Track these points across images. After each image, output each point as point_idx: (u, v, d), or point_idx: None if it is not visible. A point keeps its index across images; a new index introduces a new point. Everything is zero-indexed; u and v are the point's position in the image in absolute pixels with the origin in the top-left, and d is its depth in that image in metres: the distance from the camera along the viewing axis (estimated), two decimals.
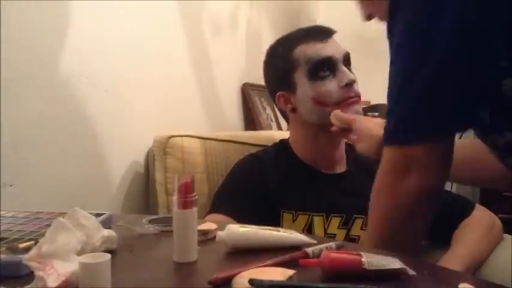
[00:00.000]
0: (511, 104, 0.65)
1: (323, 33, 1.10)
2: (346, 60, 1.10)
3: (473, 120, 0.70)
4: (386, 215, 0.73)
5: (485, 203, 1.16)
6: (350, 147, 1.17)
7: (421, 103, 0.67)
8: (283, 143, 1.19)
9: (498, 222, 1.11)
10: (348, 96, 1.06)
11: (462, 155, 0.81)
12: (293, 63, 1.09)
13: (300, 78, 1.08)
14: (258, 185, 1.08)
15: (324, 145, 1.12)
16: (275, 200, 1.06)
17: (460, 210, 1.12)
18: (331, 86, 1.06)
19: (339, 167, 1.15)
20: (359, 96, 1.10)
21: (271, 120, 2.17)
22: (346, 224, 1.08)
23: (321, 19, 3.00)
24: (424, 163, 0.68)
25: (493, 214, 1.13)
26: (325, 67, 1.06)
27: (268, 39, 2.33)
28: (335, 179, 1.13)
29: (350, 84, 1.06)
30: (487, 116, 0.69)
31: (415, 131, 0.68)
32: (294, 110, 1.11)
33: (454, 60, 0.65)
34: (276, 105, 1.19)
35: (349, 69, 1.10)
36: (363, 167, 1.15)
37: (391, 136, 0.71)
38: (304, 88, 1.08)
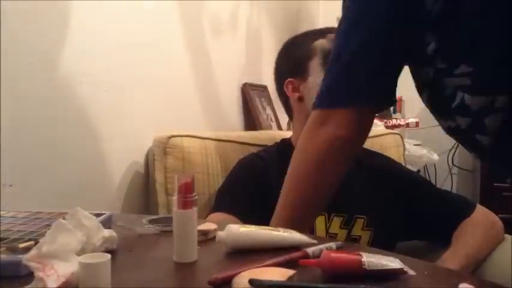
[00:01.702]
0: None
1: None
2: None
3: (392, 97, 0.83)
4: (301, 159, 0.86)
5: (485, 203, 1.16)
6: None
7: (343, 76, 0.79)
8: (285, 141, 1.20)
9: (499, 222, 1.12)
10: None
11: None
12: (310, 52, 1.13)
13: (314, 66, 1.12)
14: (260, 183, 1.08)
15: None
16: (276, 199, 1.06)
17: (461, 210, 1.12)
18: None
19: None
20: None
21: (271, 120, 2.17)
22: (347, 224, 1.08)
23: (321, 19, 3.01)
24: (339, 120, 0.80)
25: (493, 214, 1.13)
26: None
27: (268, 39, 2.34)
28: None
29: None
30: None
31: (334, 99, 0.81)
32: (300, 98, 1.14)
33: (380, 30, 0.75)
34: (280, 95, 1.21)
35: None
36: (363, 168, 1.15)
37: (318, 101, 0.82)
38: (316, 76, 1.10)
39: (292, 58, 1.17)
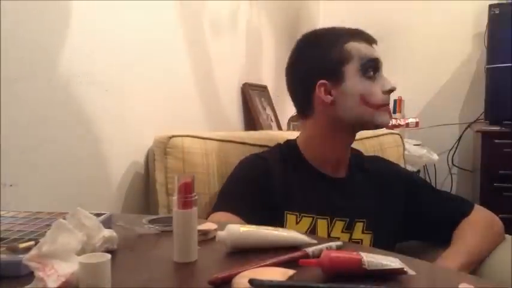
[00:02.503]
0: None
1: (370, 38, 1.12)
2: None
3: None
4: None
5: (485, 203, 1.16)
6: (351, 153, 1.17)
7: None
8: (290, 143, 1.18)
9: (499, 222, 1.12)
10: (388, 102, 1.09)
11: None
12: (346, 56, 1.07)
13: (351, 71, 1.07)
14: (262, 184, 1.07)
15: (337, 146, 1.12)
16: (279, 201, 1.06)
17: (460, 210, 1.13)
18: (377, 88, 1.07)
19: (342, 171, 1.14)
20: None
21: (271, 120, 2.17)
22: (349, 228, 1.08)
23: (321, 19, 3.01)
24: None
25: (493, 214, 1.13)
26: (372, 68, 1.07)
27: (268, 39, 2.34)
28: (339, 182, 1.12)
29: (391, 91, 1.09)
30: None
31: None
32: (333, 102, 1.08)
33: None
34: (300, 91, 1.14)
35: None
36: (362, 172, 1.16)
37: None
38: (354, 82, 1.06)
39: (324, 58, 1.09)
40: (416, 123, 2.61)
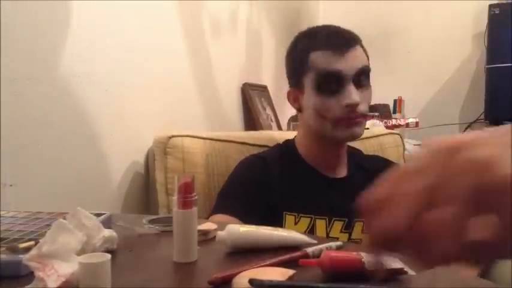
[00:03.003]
0: None
1: (343, 44, 1.05)
2: (363, 74, 1.06)
3: None
4: None
5: None
6: (350, 152, 1.18)
7: None
8: (288, 143, 1.18)
9: None
10: (348, 117, 1.03)
11: None
12: (305, 67, 1.06)
13: (307, 84, 1.07)
14: (261, 185, 1.07)
15: (327, 149, 1.12)
16: (278, 202, 1.06)
17: None
18: (333, 103, 1.03)
19: (341, 170, 1.14)
20: (364, 116, 1.06)
21: (271, 120, 2.17)
22: (348, 228, 1.08)
23: (321, 19, 3.01)
24: None
25: None
26: (332, 81, 1.03)
27: (268, 39, 2.34)
28: (338, 182, 1.12)
29: (351, 106, 1.03)
30: None
31: None
32: (299, 109, 1.12)
33: None
34: None
35: (363, 83, 1.06)
36: (362, 172, 1.15)
37: None
38: (308, 96, 1.07)
39: (291, 66, 1.13)
40: (416, 123, 2.61)
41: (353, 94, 1.02)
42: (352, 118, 1.04)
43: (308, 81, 1.06)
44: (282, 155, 1.14)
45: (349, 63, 1.04)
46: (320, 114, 1.05)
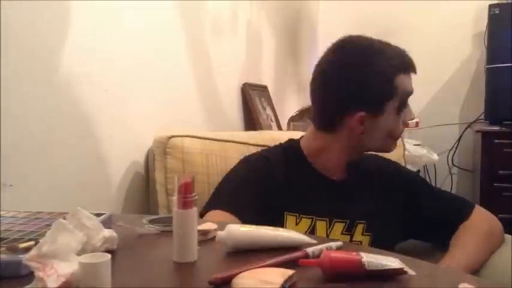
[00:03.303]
0: None
1: (415, 67, 1.08)
2: None
3: None
4: None
5: (485, 203, 1.16)
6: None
7: None
8: (292, 143, 1.15)
9: (499, 225, 1.10)
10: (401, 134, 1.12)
11: None
12: (392, 92, 1.04)
13: (391, 108, 1.05)
14: (263, 184, 1.05)
15: (344, 159, 1.11)
16: (279, 201, 1.05)
17: (460, 211, 1.12)
18: (400, 121, 1.08)
19: (342, 172, 1.13)
20: None
21: (271, 120, 2.17)
22: (349, 230, 1.07)
23: (321, 19, 3.01)
24: None
25: (493, 216, 1.12)
26: (406, 102, 1.08)
27: (268, 39, 2.34)
28: (339, 185, 1.11)
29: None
30: None
31: None
32: (362, 132, 1.05)
33: None
34: (322, 112, 1.10)
35: None
36: (362, 175, 1.14)
37: None
38: (389, 118, 1.05)
39: (374, 92, 1.03)
40: (417, 123, 2.61)
41: (412, 112, 1.10)
42: None
43: (392, 106, 1.05)
44: (286, 154, 1.12)
45: None
46: (390, 135, 1.08)
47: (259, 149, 1.26)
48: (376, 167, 1.18)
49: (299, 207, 1.05)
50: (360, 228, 1.07)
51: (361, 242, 1.08)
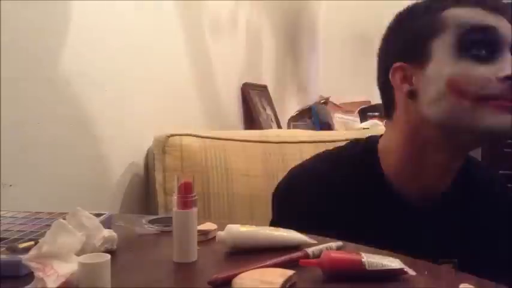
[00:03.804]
0: None
1: (495, 5, 0.76)
2: None
3: None
4: None
5: None
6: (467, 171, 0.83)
7: None
8: (368, 148, 0.84)
9: None
10: (503, 96, 0.71)
11: None
12: (436, 26, 0.75)
13: (441, 48, 0.74)
14: (327, 222, 0.75)
15: (428, 168, 0.78)
16: (346, 237, 0.71)
17: None
18: (483, 72, 0.72)
19: (437, 195, 0.82)
20: None
21: (271, 120, 2.17)
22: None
23: (321, 19, 3.01)
24: None
25: None
26: (483, 42, 0.73)
27: (268, 39, 2.34)
28: (428, 211, 0.81)
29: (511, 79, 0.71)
30: None
31: None
32: (412, 93, 0.76)
33: None
34: (380, 86, 0.83)
35: None
36: (465, 193, 0.83)
37: None
38: (441, 63, 0.74)
39: (407, 33, 0.78)
40: None
41: None
42: (507, 98, 0.71)
43: (441, 45, 0.74)
44: (357, 171, 0.81)
45: (505, 24, 0.74)
46: (456, 89, 0.72)
47: (260, 147, 1.25)
48: (481, 187, 0.85)
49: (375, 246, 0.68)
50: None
51: None
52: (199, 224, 0.72)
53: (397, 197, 0.80)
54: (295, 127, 2.13)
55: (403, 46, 0.79)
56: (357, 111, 2.52)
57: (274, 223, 0.84)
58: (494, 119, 0.71)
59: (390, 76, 0.79)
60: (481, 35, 0.73)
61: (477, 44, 0.73)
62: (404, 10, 0.82)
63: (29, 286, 0.54)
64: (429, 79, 0.75)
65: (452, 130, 0.74)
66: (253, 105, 2.02)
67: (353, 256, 0.61)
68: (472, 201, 0.82)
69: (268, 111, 2.17)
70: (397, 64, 0.78)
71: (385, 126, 0.87)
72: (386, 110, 0.84)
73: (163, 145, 1.29)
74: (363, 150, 0.84)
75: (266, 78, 2.28)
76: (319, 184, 0.80)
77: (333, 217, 0.77)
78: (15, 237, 0.69)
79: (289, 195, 0.84)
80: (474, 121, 0.72)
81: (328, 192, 0.80)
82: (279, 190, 0.87)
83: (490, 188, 0.87)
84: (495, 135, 0.73)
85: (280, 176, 0.92)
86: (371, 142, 0.85)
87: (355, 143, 0.88)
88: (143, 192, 1.37)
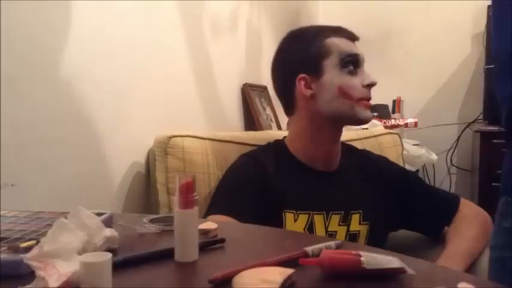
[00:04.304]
0: None
1: (352, 35, 1.15)
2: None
3: None
4: None
5: (483, 203, 1.17)
6: (344, 144, 1.20)
7: None
8: (278, 143, 1.20)
9: (488, 217, 1.14)
10: (368, 97, 1.11)
11: None
12: (325, 50, 1.10)
13: (330, 66, 1.09)
14: (259, 185, 1.07)
15: (325, 140, 1.13)
16: (275, 201, 1.06)
17: (451, 204, 1.16)
18: (356, 82, 1.09)
19: (334, 164, 1.16)
20: None
21: (271, 120, 2.17)
22: (345, 221, 1.09)
23: (321, 19, 3.01)
24: None
25: (480, 208, 1.17)
26: (352, 63, 1.10)
27: (268, 39, 2.34)
28: (331, 176, 1.14)
29: (371, 86, 1.10)
30: None
31: None
32: (313, 96, 1.11)
33: None
34: (282, 89, 1.18)
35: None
36: (355, 163, 1.18)
37: None
38: (332, 76, 1.09)
39: (305, 53, 1.12)
40: (415, 123, 2.61)
41: (371, 75, 1.11)
42: (369, 99, 1.11)
43: (330, 64, 1.09)
44: (274, 153, 1.15)
45: (359, 50, 1.13)
46: (344, 93, 1.08)
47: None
48: (365, 158, 1.22)
49: (294, 204, 1.07)
50: (356, 218, 1.10)
51: (358, 231, 1.09)
52: (200, 223, 0.73)
53: (305, 166, 1.13)
54: None
55: (303, 62, 1.12)
56: None
57: (220, 193, 1.11)
58: (364, 113, 1.10)
59: (296, 83, 1.12)
60: (352, 58, 1.10)
61: (350, 64, 1.10)
62: (297, 35, 1.18)
63: (30, 285, 0.54)
64: (324, 86, 1.10)
65: (338, 119, 1.11)
66: (253, 105, 2.02)
67: (352, 255, 0.61)
68: (358, 166, 1.18)
69: (268, 111, 2.17)
70: (302, 75, 1.11)
71: (287, 123, 1.20)
72: (287, 109, 1.19)
73: (165, 146, 1.29)
74: (275, 142, 1.20)
75: (266, 79, 2.27)
76: (253, 163, 1.12)
77: (264, 184, 1.07)
78: (17, 236, 0.69)
79: (235, 170, 1.14)
80: (354, 114, 1.09)
81: (259, 167, 1.10)
82: (226, 171, 1.17)
83: (366, 156, 1.24)
84: (363, 122, 1.12)
85: None
86: (278, 140, 1.21)
87: (273, 141, 1.22)
88: (144, 192, 1.38)
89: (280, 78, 1.19)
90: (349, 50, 1.10)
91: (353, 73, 1.10)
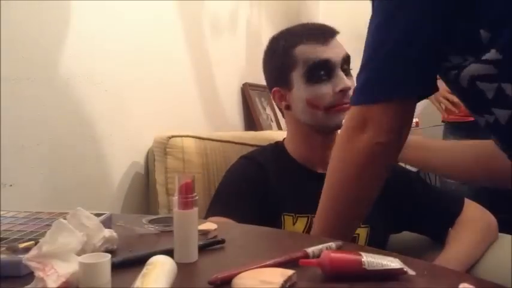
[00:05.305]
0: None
1: (325, 34, 1.10)
2: (346, 62, 1.10)
3: (434, 86, 0.74)
4: (338, 168, 0.81)
5: (484, 202, 1.16)
6: None
7: (385, 66, 0.72)
8: (278, 144, 1.19)
9: (493, 220, 1.11)
10: (341, 102, 1.07)
11: (474, 154, 0.94)
12: (292, 62, 1.08)
13: (297, 78, 1.08)
14: (257, 187, 1.07)
15: (317, 145, 1.12)
16: (275, 203, 1.06)
17: (454, 206, 1.13)
18: (326, 90, 1.06)
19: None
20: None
21: (271, 120, 2.17)
22: None
23: (321, 19, 3.01)
24: (378, 121, 0.73)
25: (486, 210, 1.13)
26: (322, 70, 1.06)
27: (268, 39, 2.33)
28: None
29: (344, 90, 1.06)
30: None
31: (375, 92, 0.74)
32: (288, 107, 1.12)
33: (425, 18, 0.70)
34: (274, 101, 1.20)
35: (348, 71, 1.10)
36: None
37: (356, 97, 0.76)
38: (299, 89, 1.08)
39: (275, 66, 1.13)
40: (416, 123, 2.61)
41: (344, 79, 1.07)
42: (345, 103, 1.06)
43: (297, 76, 1.08)
44: (274, 155, 1.14)
45: (334, 51, 1.08)
46: (312, 105, 1.07)
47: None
48: None
49: (293, 207, 1.06)
50: None
51: (358, 234, 1.08)
52: (199, 224, 0.72)
53: (303, 168, 1.13)
54: None
55: (275, 77, 1.15)
56: None
57: (219, 196, 1.10)
58: (337, 118, 1.07)
59: (271, 96, 1.16)
60: (320, 65, 1.06)
61: (318, 71, 1.07)
62: (270, 47, 1.17)
63: (29, 286, 0.54)
64: (295, 99, 1.10)
65: (315, 127, 1.10)
66: (253, 105, 2.02)
67: (353, 256, 0.61)
68: None
69: (268, 111, 2.17)
70: (275, 88, 1.14)
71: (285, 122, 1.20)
72: (282, 113, 1.20)
73: (164, 146, 1.29)
74: (275, 144, 1.20)
75: None
76: (253, 164, 1.12)
77: (263, 186, 1.07)
78: (16, 237, 0.69)
79: (234, 172, 1.14)
80: (326, 122, 1.08)
81: (259, 169, 1.10)
82: (226, 172, 1.15)
83: None
84: (336, 129, 1.07)
85: None
86: (278, 142, 1.20)
87: (273, 143, 1.21)
88: (143, 192, 1.37)
89: (267, 86, 1.21)
90: (316, 57, 1.06)
91: (323, 81, 1.06)
